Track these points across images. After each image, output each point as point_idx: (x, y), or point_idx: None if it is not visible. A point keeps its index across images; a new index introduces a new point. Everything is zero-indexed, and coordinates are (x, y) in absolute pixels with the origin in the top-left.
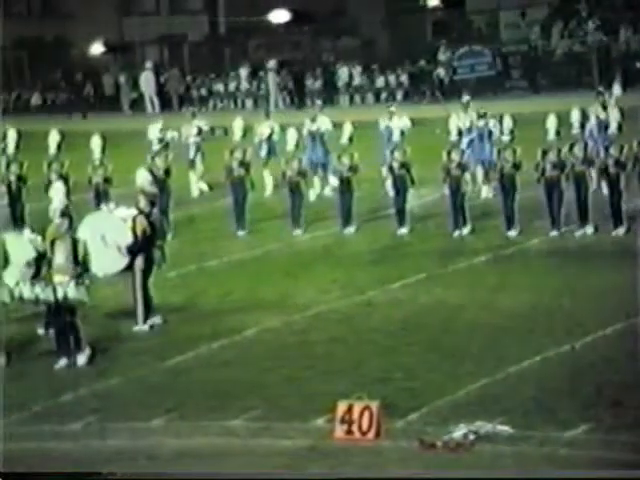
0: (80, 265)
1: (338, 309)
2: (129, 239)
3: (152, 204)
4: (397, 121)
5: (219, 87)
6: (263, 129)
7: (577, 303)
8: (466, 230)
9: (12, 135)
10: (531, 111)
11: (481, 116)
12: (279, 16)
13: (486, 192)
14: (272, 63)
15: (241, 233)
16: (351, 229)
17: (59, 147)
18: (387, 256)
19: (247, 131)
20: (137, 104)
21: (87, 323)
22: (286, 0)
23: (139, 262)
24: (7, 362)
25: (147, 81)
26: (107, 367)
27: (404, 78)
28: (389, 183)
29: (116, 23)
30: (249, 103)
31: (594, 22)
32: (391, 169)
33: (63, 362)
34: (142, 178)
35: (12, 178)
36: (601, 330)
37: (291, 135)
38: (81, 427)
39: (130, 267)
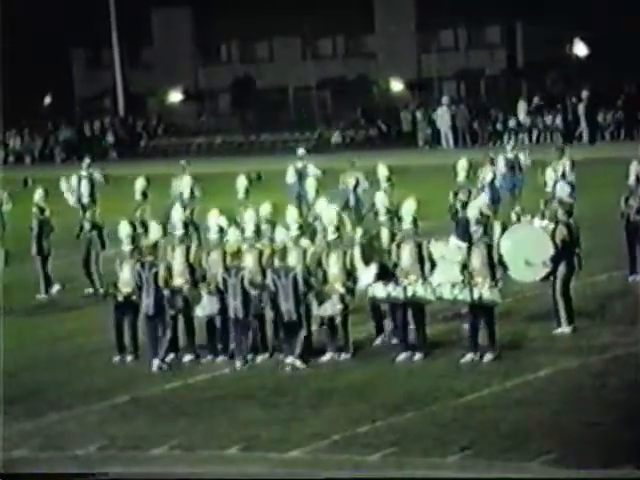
0: (495, 269)
1: None
2: (551, 251)
3: (569, 214)
4: None
5: (512, 122)
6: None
7: None
8: None
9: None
10: None
11: None
12: (579, 49)
13: None
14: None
15: None
16: None
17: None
18: None
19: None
20: (432, 140)
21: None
22: (585, 33)
23: (561, 269)
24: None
25: (443, 117)
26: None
27: None
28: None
29: (415, 60)
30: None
31: None
32: None
33: (469, 357)
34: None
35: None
36: None
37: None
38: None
39: (551, 274)
